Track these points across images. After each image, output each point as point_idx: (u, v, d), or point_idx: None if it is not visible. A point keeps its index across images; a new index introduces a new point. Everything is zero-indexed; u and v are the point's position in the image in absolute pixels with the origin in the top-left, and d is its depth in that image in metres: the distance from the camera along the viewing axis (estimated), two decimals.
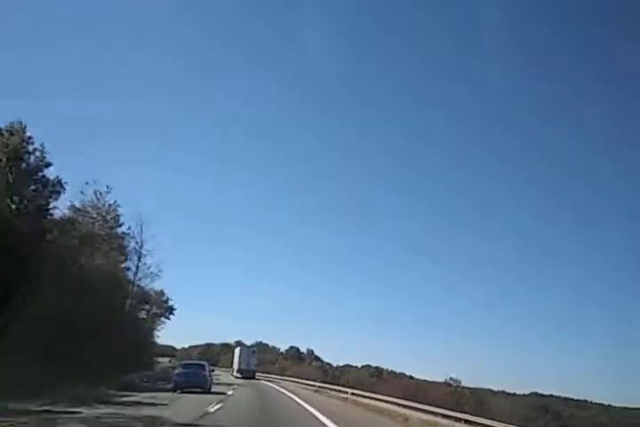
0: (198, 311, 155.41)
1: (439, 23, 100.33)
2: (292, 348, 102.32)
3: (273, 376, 65.19)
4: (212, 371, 34.80)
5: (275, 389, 39.27)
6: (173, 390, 25.90)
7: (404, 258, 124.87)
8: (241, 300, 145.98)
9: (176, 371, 28.73)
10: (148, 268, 42.04)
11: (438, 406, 26.21)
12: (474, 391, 59.81)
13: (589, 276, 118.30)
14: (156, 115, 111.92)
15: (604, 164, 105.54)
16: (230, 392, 28.97)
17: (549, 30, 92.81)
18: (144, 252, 40.68)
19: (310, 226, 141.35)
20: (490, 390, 66.33)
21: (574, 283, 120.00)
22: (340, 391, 37.49)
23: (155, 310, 61.55)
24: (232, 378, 55.73)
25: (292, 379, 59.29)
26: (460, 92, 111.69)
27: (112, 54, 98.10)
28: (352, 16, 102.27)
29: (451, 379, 60.81)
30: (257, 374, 60.54)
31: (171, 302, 63.16)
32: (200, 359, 55.83)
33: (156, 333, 72.15)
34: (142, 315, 59.28)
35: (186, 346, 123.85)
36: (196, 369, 27.91)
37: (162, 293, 61.58)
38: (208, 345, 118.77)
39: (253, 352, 60.16)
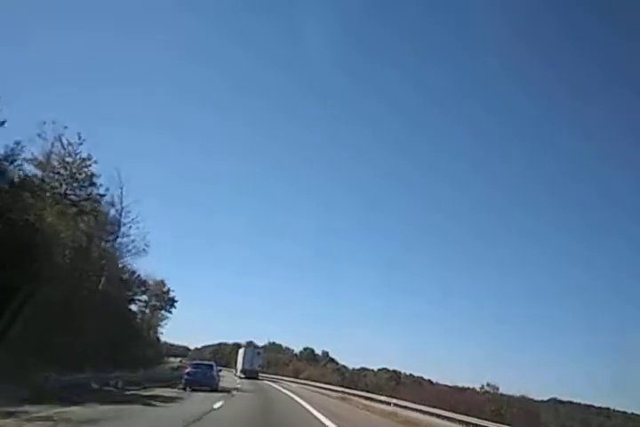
0: (212, 312, 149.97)
1: (439, 15, 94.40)
2: (306, 349, 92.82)
3: (285, 378, 58.62)
4: (220, 371, 34.13)
5: (288, 398, 27.76)
6: (184, 389, 25.59)
7: (412, 260, 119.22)
8: (254, 301, 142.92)
9: (186, 370, 28.69)
10: (132, 241, 31.65)
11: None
12: (511, 399, 49.58)
13: (595, 279, 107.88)
14: (156, 106, 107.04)
15: (607, 162, 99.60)
16: (218, 404, 18.18)
17: (551, 26, 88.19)
18: (125, 220, 30.20)
19: (317, 226, 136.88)
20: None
21: (582, 290, 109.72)
22: (373, 400, 26.59)
23: (154, 301, 51.58)
24: (235, 379, 50.20)
25: (308, 382, 49.83)
26: (461, 85, 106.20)
27: (114, 43, 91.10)
28: (351, 8, 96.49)
29: (488, 385, 50.20)
30: (269, 376, 57.62)
31: (172, 294, 52.96)
32: (211, 360, 53.28)
33: (160, 329, 63.51)
34: (140, 307, 49.60)
35: (199, 346, 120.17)
36: (205, 369, 27.98)
37: (162, 283, 51.66)
38: (219, 345, 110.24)
39: (258, 353, 57.87)
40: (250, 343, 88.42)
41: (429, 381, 58.43)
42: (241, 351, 59.12)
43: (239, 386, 36.12)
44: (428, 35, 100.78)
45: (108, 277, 30.49)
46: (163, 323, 62.69)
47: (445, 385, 49.99)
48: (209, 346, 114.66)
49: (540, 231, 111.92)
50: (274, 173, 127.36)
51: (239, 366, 57.30)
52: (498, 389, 49.63)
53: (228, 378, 45.06)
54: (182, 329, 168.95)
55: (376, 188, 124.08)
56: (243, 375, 53.57)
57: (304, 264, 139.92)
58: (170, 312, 53.88)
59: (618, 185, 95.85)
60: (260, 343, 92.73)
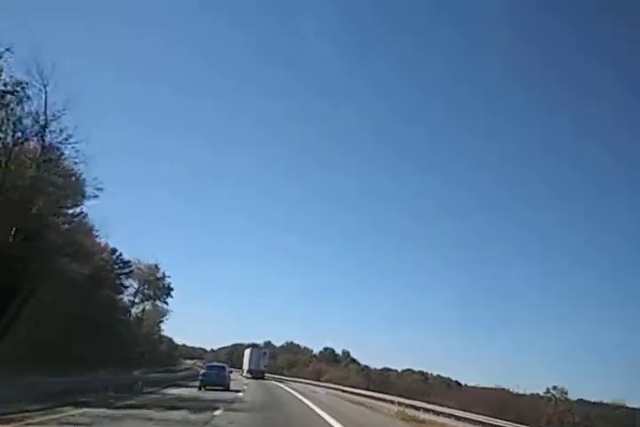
0: (229, 313, 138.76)
1: (441, 15, 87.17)
2: (326, 349, 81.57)
3: (304, 381, 51.42)
4: (231, 372, 33.45)
5: None
6: (199, 388, 26.23)
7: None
8: (270, 301, 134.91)
9: (201, 372, 29.56)
10: (71, 175, 19.31)
11: None
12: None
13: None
14: (166, 104, 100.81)
15: (607, 158, 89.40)
16: None
17: (552, 23, 79.90)
18: (54, 139, 17.86)
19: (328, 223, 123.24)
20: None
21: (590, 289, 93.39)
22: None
23: (146, 289, 39.50)
24: (242, 379, 45.60)
25: (335, 386, 39.94)
26: (461, 84, 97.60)
27: (121, 40, 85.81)
28: (354, 5, 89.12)
29: (554, 388, 37.05)
30: (285, 378, 54.59)
31: (168, 280, 40.67)
32: (226, 361, 55.61)
33: (162, 325, 51.78)
34: (129, 296, 37.50)
35: (215, 348, 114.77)
36: (218, 371, 28.42)
37: (155, 267, 39.58)
38: (235, 346, 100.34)
39: (264, 353, 55.37)
40: (267, 344, 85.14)
41: (457, 382, 51.34)
42: (247, 352, 56.65)
43: (241, 394, 24.10)
44: (429, 33, 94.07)
45: (25, 228, 18.10)
46: (164, 318, 50.64)
47: (474, 387, 42.42)
48: (225, 347, 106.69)
49: (547, 228, 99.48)
50: (283, 170, 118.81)
51: (245, 366, 55.18)
52: (566, 393, 36.76)
53: (234, 382, 33.37)
54: (199, 331, 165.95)
55: (379, 185, 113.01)
56: (249, 375, 51.39)
57: (318, 263, 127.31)
58: (166, 303, 41.77)
59: (619, 184, 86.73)
60: (277, 344, 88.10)
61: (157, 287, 39.89)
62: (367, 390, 37.70)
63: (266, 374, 53.49)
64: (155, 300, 40.73)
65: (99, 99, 78.11)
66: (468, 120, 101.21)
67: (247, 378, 49.50)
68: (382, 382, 55.23)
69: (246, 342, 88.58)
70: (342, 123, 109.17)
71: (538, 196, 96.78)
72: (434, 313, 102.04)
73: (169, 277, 40.80)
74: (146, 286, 39.34)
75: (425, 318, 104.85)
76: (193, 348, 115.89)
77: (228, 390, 26.51)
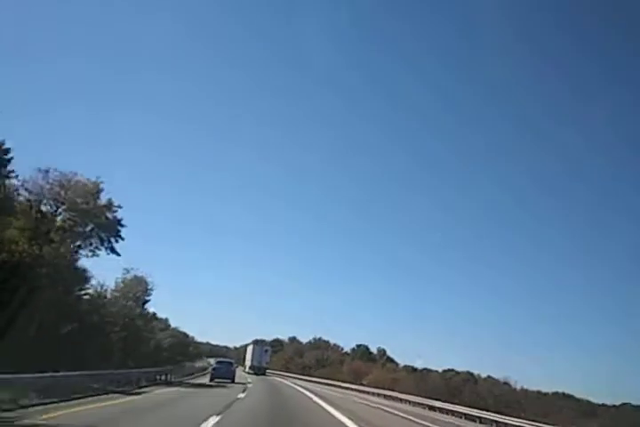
0: (256, 311, 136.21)
1: (441, 12, 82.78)
2: (359, 346, 68.89)
3: (343, 384, 38.48)
4: (237, 367, 36.59)
5: None
6: (210, 380, 28.68)
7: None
8: (298, 299, 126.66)
9: (212, 366, 32.48)
10: None
11: None
12: None
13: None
14: (158, 92, 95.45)
15: (603, 160, 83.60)
16: None
17: (552, 23, 73.95)
18: None
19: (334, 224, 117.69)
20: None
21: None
22: None
23: (84, 225, 21.23)
24: (245, 375, 42.51)
25: (394, 394, 28.13)
26: (465, 86, 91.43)
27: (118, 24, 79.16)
28: (353, 5, 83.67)
29: None
30: (318, 386, 44.42)
31: (116, 210, 22.14)
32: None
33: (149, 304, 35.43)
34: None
35: (237, 345, 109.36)
36: (227, 366, 31.27)
37: (95, 186, 21.19)
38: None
39: (266, 351, 52.73)
40: (292, 340, 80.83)
41: (506, 384, 41.63)
42: (249, 349, 56.21)
43: None
44: (429, 33, 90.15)
45: None
46: (148, 295, 32.23)
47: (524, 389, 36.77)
48: (246, 345, 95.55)
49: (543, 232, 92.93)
50: (293, 172, 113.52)
51: (247, 362, 54.93)
52: None
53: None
54: (226, 330, 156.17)
55: (390, 186, 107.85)
56: (251, 371, 50.81)
57: (342, 261, 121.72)
58: (114, 251, 22.81)
59: (618, 185, 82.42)
60: (304, 340, 79.58)
61: (98, 221, 21.57)
62: (432, 399, 26.49)
63: (281, 377, 49.50)
64: (100, 243, 22.47)
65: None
66: (467, 118, 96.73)
67: (249, 374, 48.33)
68: (455, 389, 37.72)
69: (269, 338, 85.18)
70: (347, 121, 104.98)
71: (536, 199, 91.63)
72: (462, 311, 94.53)
73: (119, 207, 22.47)
74: (77, 219, 21.30)
75: (454, 316, 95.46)
76: (218, 346, 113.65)
77: (233, 382, 29.05)
